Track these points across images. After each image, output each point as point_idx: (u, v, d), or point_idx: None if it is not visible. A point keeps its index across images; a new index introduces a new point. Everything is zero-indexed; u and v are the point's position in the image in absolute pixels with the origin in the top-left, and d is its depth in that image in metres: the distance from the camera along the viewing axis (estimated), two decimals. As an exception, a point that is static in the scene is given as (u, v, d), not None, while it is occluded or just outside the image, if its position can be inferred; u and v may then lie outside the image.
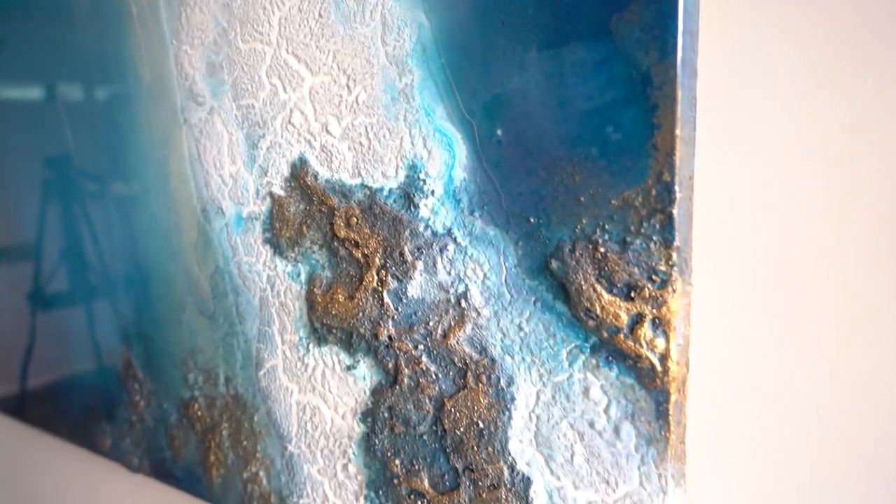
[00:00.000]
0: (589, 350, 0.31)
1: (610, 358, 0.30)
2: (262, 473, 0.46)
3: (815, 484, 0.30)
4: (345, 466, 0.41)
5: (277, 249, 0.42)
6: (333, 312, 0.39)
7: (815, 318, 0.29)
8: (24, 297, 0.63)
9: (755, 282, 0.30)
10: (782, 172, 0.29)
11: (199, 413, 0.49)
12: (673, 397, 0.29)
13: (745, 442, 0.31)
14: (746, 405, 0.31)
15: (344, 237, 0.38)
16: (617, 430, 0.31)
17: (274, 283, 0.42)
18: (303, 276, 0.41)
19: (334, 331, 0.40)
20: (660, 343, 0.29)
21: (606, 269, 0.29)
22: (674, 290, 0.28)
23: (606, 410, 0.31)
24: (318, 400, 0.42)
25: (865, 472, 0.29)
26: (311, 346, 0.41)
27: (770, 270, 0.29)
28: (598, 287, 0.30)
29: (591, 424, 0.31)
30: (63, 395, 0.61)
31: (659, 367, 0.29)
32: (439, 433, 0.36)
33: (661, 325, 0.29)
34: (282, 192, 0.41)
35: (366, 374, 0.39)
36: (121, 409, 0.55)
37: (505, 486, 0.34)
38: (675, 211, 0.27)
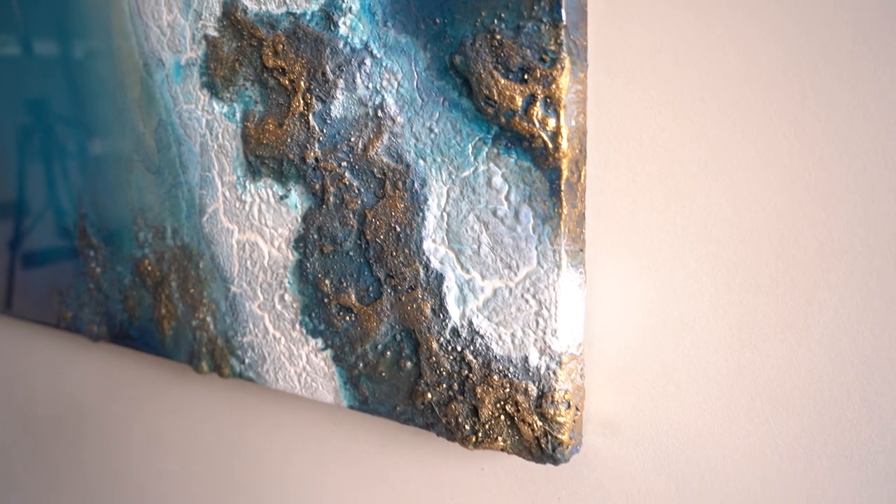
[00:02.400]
0: (491, 140, 0.33)
1: (509, 144, 0.32)
2: (209, 319, 0.48)
3: (718, 264, 0.32)
4: (282, 297, 0.43)
5: (214, 91, 0.43)
6: (265, 143, 0.41)
7: (710, 91, 0.31)
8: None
9: (654, 68, 0.32)
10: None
11: (150, 268, 0.51)
12: (564, 174, 0.31)
13: (644, 228, 0.33)
14: (645, 193, 0.33)
15: (272, 66, 0.39)
16: (517, 214, 0.33)
17: (212, 126, 0.44)
18: (238, 115, 0.42)
19: (267, 161, 0.41)
20: (551, 122, 0.31)
21: (503, 55, 0.31)
22: (562, 68, 0.30)
23: (507, 197, 0.33)
24: (255, 236, 0.44)
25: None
26: (247, 182, 0.43)
27: (668, 58, 0.31)
28: (496, 73, 0.31)
29: (494, 212, 0.33)
30: (26, 274, 0.63)
31: (551, 145, 0.31)
32: (363, 246, 0.38)
33: (552, 103, 0.31)
34: (216, 34, 0.42)
35: (297, 201, 0.41)
36: (79, 280, 0.57)
37: (421, 285, 0.37)
38: (561, -12, 0.29)
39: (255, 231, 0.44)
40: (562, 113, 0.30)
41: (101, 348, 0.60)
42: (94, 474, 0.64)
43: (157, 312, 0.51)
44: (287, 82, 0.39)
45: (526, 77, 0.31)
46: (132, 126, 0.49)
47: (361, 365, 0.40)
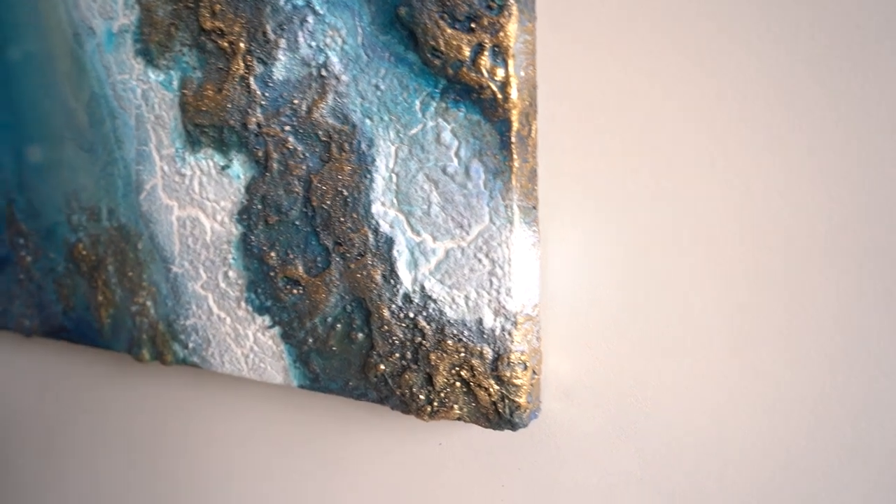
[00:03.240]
0: (439, 94, 0.32)
1: (457, 97, 0.31)
2: (149, 303, 0.45)
3: (668, 216, 0.32)
4: (226, 274, 0.41)
5: (149, 59, 0.41)
6: (204, 110, 0.39)
7: (662, 43, 0.30)
8: None
9: (603, 21, 0.31)
10: None
11: (84, 253, 0.48)
12: (515, 126, 0.30)
13: (597, 185, 0.33)
14: (597, 149, 0.32)
15: (210, 28, 0.38)
16: (467, 171, 0.32)
17: (148, 97, 0.42)
18: (175, 83, 0.40)
19: (206, 130, 0.39)
20: (500, 71, 0.30)
21: (449, 3, 0.30)
22: (510, 15, 0.29)
23: (457, 153, 0.32)
24: (196, 211, 0.42)
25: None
26: (186, 154, 0.41)
27: (618, 10, 0.31)
28: (442, 23, 0.30)
29: (444, 170, 0.32)
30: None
31: (500, 96, 0.30)
32: (309, 214, 0.37)
33: (500, 52, 0.30)
34: (149, -2, 0.40)
35: (240, 171, 0.39)
36: (8, 270, 0.54)
37: (370, 251, 0.35)
38: (506, -68, 0.28)
39: (196, 206, 0.41)
40: (510, 62, 0.30)
41: (34, 344, 0.57)
42: (31, 481, 0.60)
43: (94, 300, 0.48)
44: (226, 45, 0.37)
45: (473, 26, 0.30)
46: (62, 101, 0.46)
47: (311, 340, 0.39)
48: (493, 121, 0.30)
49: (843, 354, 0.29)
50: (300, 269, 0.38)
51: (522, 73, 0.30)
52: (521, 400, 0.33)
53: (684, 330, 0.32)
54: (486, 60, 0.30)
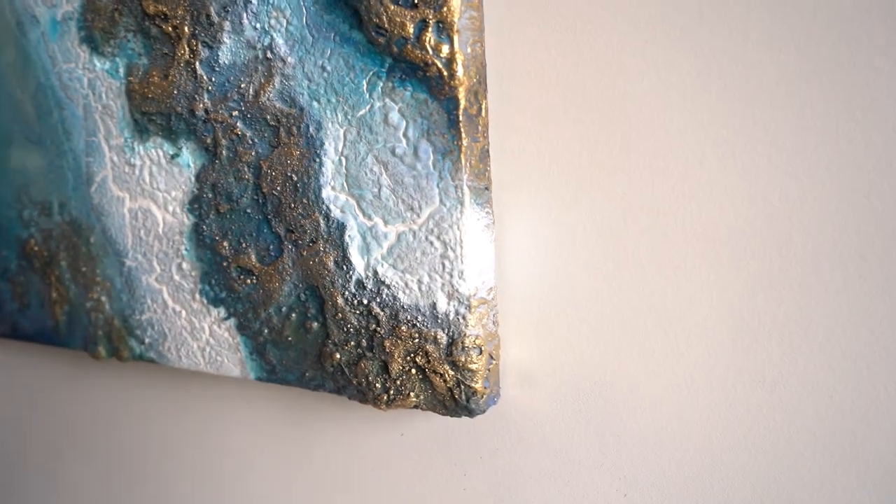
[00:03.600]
0: (385, 74, 0.31)
1: (403, 76, 0.30)
2: (103, 298, 0.44)
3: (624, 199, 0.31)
4: (179, 266, 0.40)
5: (94, 47, 0.40)
6: (151, 97, 0.38)
7: (615, 19, 0.30)
8: None
9: (542, -2, 0.30)
10: None
11: (37, 249, 0.46)
12: (462, 104, 0.30)
13: (551, 166, 0.32)
14: (550, 128, 0.32)
15: (154, 13, 0.36)
16: (416, 151, 0.31)
17: (95, 86, 0.41)
18: (121, 71, 0.39)
19: (154, 118, 0.38)
20: (445, 48, 0.29)
21: (391, -21, 0.29)
22: (453, -11, 0.28)
23: (405, 133, 0.31)
24: (148, 202, 0.40)
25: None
26: (135, 144, 0.40)
27: (556, -13, 0.30)
28: (385, 0, 0.30)
29: (393, 151, 0.31)
30: None
31: (446, 73, 0.29)
32: (260, 201, 0.36)
33: (444, 28, 0.29)
34: (92, -17, 0.39)
35: (189, 159, 0.38)
36: (-38, 270, 0.52)
37: (322, 237, 0.34)
38: None
39: (148, 197, 0.40)
40: (455, 38, 0.29)
41: (-9, 345, 0.55)
42: (-8, 485, 0.59)
43: (48, 297, 0.47)
44: (170, 29, 0.36)
45: (416, 2, 0.29)
46: (8, 93, 0.45)
47: (266, 331, 0.38)
48: (440, 99, 0.30)
49: (803, 334, 0.29)
50: (253, 258, 0.37)
51: (469, 50, 0.30)
52: (478, 385, 0.32)
53: (645, 314, 0.31)
54: (430, 37, 0.29)
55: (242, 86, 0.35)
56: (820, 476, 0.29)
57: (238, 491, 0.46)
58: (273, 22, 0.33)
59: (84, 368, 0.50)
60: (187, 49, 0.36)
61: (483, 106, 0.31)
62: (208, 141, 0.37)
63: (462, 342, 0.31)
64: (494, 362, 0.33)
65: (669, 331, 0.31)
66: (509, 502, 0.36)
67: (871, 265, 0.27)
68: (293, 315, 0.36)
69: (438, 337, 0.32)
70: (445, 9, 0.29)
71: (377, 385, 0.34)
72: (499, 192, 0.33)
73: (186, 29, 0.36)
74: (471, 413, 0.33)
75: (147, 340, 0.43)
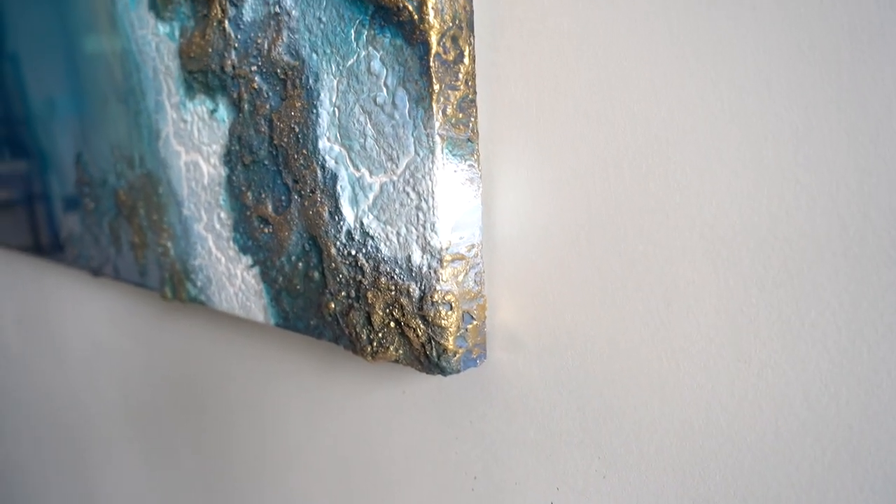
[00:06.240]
0: (368, 22, 0.31)
1: (383, 23, 0.30)
2: (169, 244, 0.49)
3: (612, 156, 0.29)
4: (219, 215, 0.43)
5: (157, 13, 0.44)
6: (193, 56, 0.41)
7: (578, -46, 0.27)
8: None
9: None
10: None
11: (124, 198, 0.52)
12: (434, 49, 0.29)
13: (543, 118, 0.30)
14: (542, 78, 0.30)
15: (195, -24, 0.39)
16: (394, 100, 0.30)
17: (160, 49, 0.45)
18: (176, 34, 0.43)
19: (196, 76, 0.41)
20: (416, -10, 0.28)
21: (369, -77, 0.29)
22: (423, -72, 0.27)
23: (385, 81, 0.31)
24: (196, 155, 0.44)
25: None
26: (187, 101, 0.43)
27: (548, -78, 0.28)
28: (364, -56, 0.29)
29: (375, 100, 0.31)
30: (66, 218, 0.67)
31: (416, 16, 0.28)
32: (273, 153, 0.37)
33: (415, -30, 0.28)
34: (156, -47, 0.42)
35: (224, 114, 0.41)
36: (78, 217, 0.60)
37: (319, 187, 0.35)
38: None
39: (196, 150, 0.44)
40: (426, -21, 0.28)
41: (99, 284, 0.63)
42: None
43: (132, 241, 0.53)
44: (207, -10, 0.39)
45: (391, -56, 0.28)
46: (106, 60, 0.51)
47: (280, 279, 0.39)
48: (413, 44, 0.29)
49: (795, 306, 0.24)
50: (269, 208, 0.39)
51: (443, -8, 0.28)
52: (448, 343, 0.31)
53: (635, 278, 0.28)
54: (402, -21, 0.28)
55: (259, 41, 0.36)
56: (797, 462, 0.25)
57: (266, 425, 0.49)
58: (281, -23, 0.34)
59: (161, 308, 0.56)
60: (219, 9, 0.38)
61: (467, 53, 0.30)
62: (235, 96, 0.39)
63: (431, 297, 0.31)
64: (475, 322, 0.32)
65: (651, 297, 0.28)
66: (494, 471, 0.35)
67: (876, 227, 0.22)
68: (300, 264, 0.38)
69: (411, 290, 0.31)
70: (416, -51, 0.28)
71: (363, 336, 0.34)
72: (490, 146, 0.32)
73: (218, -11, 0.38)
74: (443, 371, 0.32)
75: (199, 284, 0.47)
